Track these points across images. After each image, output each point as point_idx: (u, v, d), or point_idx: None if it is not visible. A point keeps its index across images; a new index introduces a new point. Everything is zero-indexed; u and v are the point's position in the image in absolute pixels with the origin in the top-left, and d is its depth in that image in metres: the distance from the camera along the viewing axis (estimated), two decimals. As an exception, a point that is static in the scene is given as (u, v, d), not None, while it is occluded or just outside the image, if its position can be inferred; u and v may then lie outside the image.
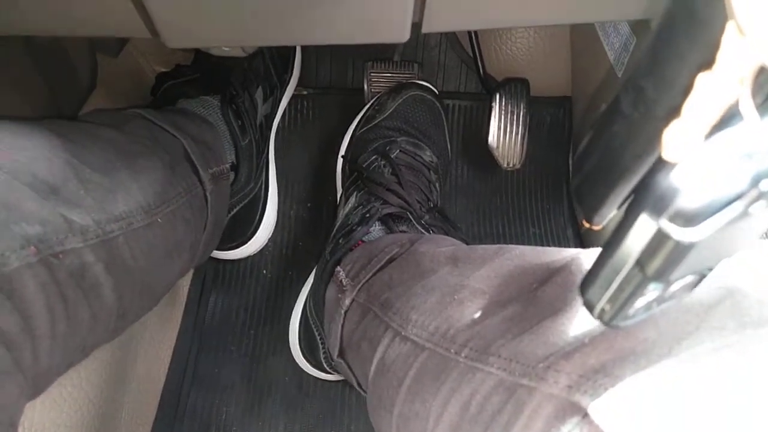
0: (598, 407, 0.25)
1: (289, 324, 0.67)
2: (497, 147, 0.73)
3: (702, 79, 0.14)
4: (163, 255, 0.47)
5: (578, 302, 0.31)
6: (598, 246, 0.40)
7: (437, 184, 0.66)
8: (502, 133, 0.74)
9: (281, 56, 0.76)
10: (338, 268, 0.55)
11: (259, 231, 0.71)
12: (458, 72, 0.83)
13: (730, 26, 0.13)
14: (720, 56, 0.13)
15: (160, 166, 0.48)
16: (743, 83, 0.13)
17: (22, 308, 0.31)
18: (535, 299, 0.34)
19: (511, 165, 0.74)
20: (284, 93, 0.78)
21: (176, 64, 0.70)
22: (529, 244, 0.78)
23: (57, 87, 0.60)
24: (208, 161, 0.56)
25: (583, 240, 0.77)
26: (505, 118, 0.74)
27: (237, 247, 0.70)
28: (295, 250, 0.74)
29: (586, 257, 0.35)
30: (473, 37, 0.75)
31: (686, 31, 0.15)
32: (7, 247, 0.31)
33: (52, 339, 0.34)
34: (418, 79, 0.74)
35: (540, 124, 0.82)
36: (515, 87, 0.73)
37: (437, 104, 0.72)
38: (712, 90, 0.14)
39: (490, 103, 0.73)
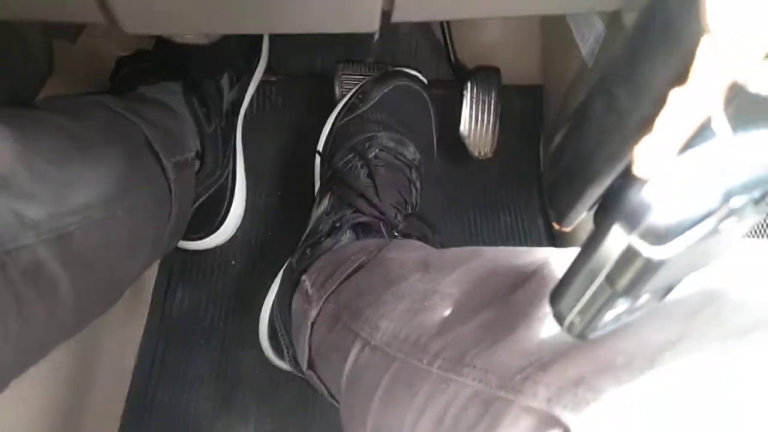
0: (580, 423, 0.24)
1: (258, 316, 0.66)
2: (469, 136, 0.73)
3: (675, 95, 0.13)
4: (125, 248, 0.46)
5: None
6: (568, 238, 0.40)
7: (418, 183, 0.64)
8: (474, 121, 0.73)
9: (248, 41, 0.74)
10: (304, 277, 0.53)
11: (226, 221, 0.69)
12: (430, 60, 0.82)
13: (704, 41, 0.12)
14: (694, 71, 0.13)
15: (119, 156, 0.46)
16: (716, 99, 0.13)
17: None
18: (508, 304, 0.33)
19: (482, 154, 0.74)
20: (252, 79, 0.76)
21: (137, 49, 0.68)
22: (501, 232, 0.78)
23: (12, 73, 0.57)
24: (170, 149, 0.54)
25: (554, 235, 0.78)
26: (477, 106, 0.73)
27: (204, 237, 0.69)
28: (265, 240, 0.73)
29: (558, 260, 0.34)
30: (445, 25, 0.74)
31: (660, 41, 0.14)
32: None
33: (4, 340, 0.33)
34: (406, 67, 0.71)
35: (511, 112, 0.81)
36: (487, 75, 0.73)
37: (425, 95, 0.68)
38: (685, 106, 0.13)
39: (462, 91, 0.72)
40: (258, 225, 0.73)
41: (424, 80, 0.70)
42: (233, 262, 0.71)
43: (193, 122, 0.62)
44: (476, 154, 0.74)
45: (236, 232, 0.72)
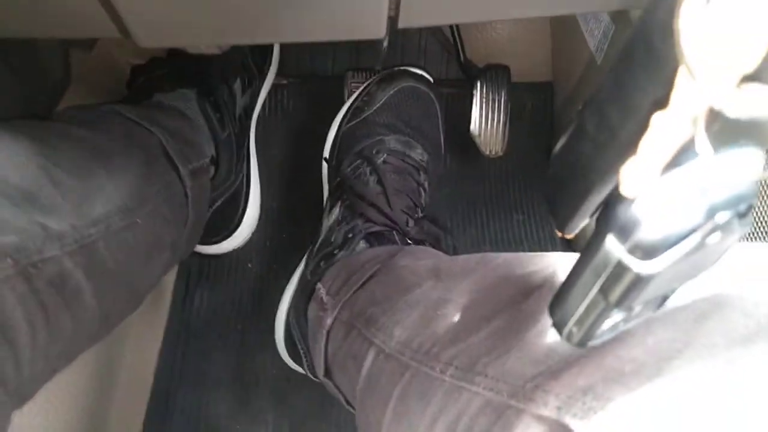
0: (588, 431, 0.24)
1: (275, 321, 0.67)
2: (479, 134, 0.73)
3: (657, 118, 0.14)
4: (144, 255, 0.47)
5: None
6: (581, 236, 0.40)
7: (426, 184, 0.63)
8: (484, 120, 0.73)
9: (259, 46, 0.75)
10: (319, 285, 0.54)
11: (242, 224, 0.70)
12: (439, 59, 0.83)
13: (681, 69, 0.13)
14: (674, 96, 0.13)
15: (137, 164, 0.48)
16: (697, 122, 0.13)
17: (1, 321, 0.31)
18: (519, 313, 0.34)
19: (493, 152, 0.74)
20: (263, 83, 0.77)
21: (151, 56, 0.69)
22: (513, 231, 0.79)
23: (29, 85, 0.59)
24: (186, 156, 0.55)
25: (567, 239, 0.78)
26: (487, 105, 0.73)
27: (221, 240, 0.70)
28: (280, 242, 0.74)
29: (567, 266, 0.34)
30: (453, 24, 0.74)
31: (645, 65, 0.15)
32: None
33: (32, 349, 0.34)
34: (411, 66, 0.71)
35: (521, 110, 0.81)
36: (496, 73, 0.73)
37: (431, 94, 0.68)
38: (666, 129, 0.14)
39: (472, 90, 0.72)
40: (272, 228, 0.74)
41: (430, 78, 0.70)
42: (249, 266, 0.73)
43: (207, 129, 0.63)
44: (487, 152, 0.74)
45: (252, 235, 0.74)
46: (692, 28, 0.12)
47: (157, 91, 0.62)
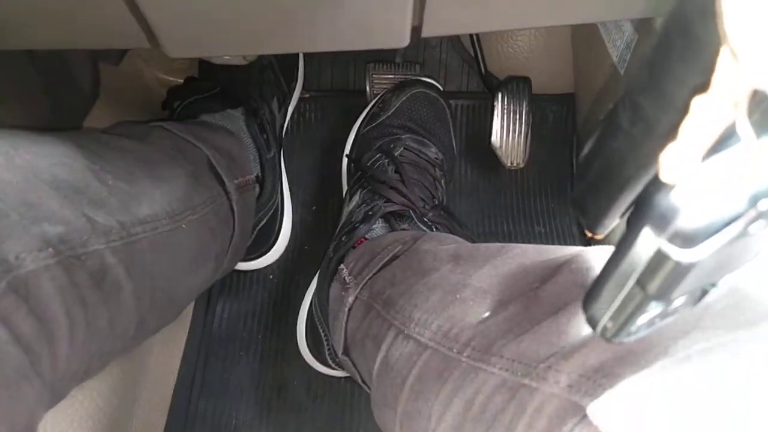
0: (596, 408, 0.25)
1: (296, 329, 0.67)
2: (500, 146, 0.73)
3: (698, 102, 0.14)
4: (187, 262, 0.47)
5: (578, 302, 0.31)
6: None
7: (442, 181, 0.66)
8: (505, 132, 0.73)
9: (287, 65, 0.76)
10: (341, 266, 0.56)
11: (278, 240, 0.71)
12: (460, 71, 0.83)
13: (724, 50, 0.13)
14: (715, 79, 0.13)
15: (183, 175, 0.48)
16: (739, 106, 0.13)
17: (39, 312, 0.31)
18: (536, 298, 0.35)
19: (514, 164, 0.74)
20: (291, 100, 0.78)
21: (187, 76, 0.70)
22: (535, 242, 0.78)
23: (60, 97, 0.61)
24: (233, 172, 0.56)
25: (590, 244, 0.77)
26: (508, 117, 0.73)
27: (259, 257, 0.70)
28: (301, 254, 0.74)
29: (587, 256, 0.35)
30: (474, 36, 0.75)
31: (682, 52, 0.15)
32: (23, 248, 0.30)
33: (70, 344, 0.33)
34: (422, 76, 0.74)
35: (543, 122, 0.81)
36: (517, 85, 0.73)
37: (441, 101, 0.71)
38: (708, 113, 0.14)
39: (493, 102, 0.72)
40: (295, 239, 0.75)
41: (440, 86, 0.73)
42: (271, 277, 0.73)
43: (254, 148, 0.64)
44: (508, 164, 0.74)
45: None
46: (736, 7, 0.12)
47: (205, 112, 0.63)
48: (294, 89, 0.78)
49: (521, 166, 0.74)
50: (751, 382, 0.23)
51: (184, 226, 0.45)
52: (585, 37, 0.75)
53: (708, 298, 0.26)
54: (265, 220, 0.68)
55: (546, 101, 0.81)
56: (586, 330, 0.30)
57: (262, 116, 0.65)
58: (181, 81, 0.77)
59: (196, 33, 0.38)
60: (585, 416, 0.26)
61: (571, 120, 0.82)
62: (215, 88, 0.65)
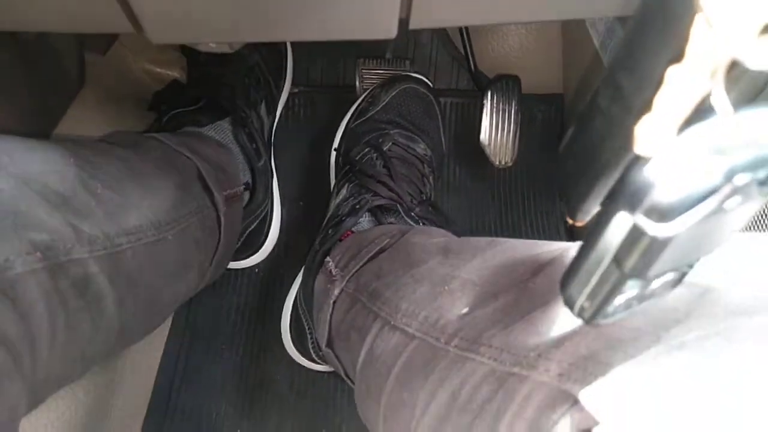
0: (588, 395, 0.25)
1: (280, 323, 0.66)
2: (489, 145, 0.73)
3: (672, 72, 0.13)
4: (171, 272, 0.47)
5: None
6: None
7: (430, 177, 0.66)
8: (494, 130, 0.74)
9: (275, 65, 0.75)
10: (328, 258, 0.55)
11: (267, 240, 0.71)
12: (450, 69, 0.83)
13: (698, 19, 0.12)
14: (689, 49, 0.13)
15: (172, 185, 0.49)
16: (715, 76, 0.13)
17: (24, 314, 0.31)
18: (526, 290, 0.35)
19: (503, 163, 0.74)
20: (280, 99, 0.78)
21: (172, 79, 0.70)
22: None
23: (45, 85, 0.60)
24: (221, 183, 0.56)
25: (574, 236, 0.77)
26: (497, 115, 0.73)
27: (248, 257, 0.70)
28: (287, 249, 0.74)
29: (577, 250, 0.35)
30: (464, 34, 0.75)
31: (657, 24, 0.14)
32: (12, 251, 0.31)
33: (50, 347, 0.34)
34: (412, 72, 0.74)
35: (532, 121, 0.81)
36: (507, 84, 0.73)
37: (431, 96, 0.71)
38: (682, 83, 0.13)
39: (482, 100, 0.72)
40: (281, 233, 0.74)
41: (429, 82, 0.72)
42: (257, 270, 0.72)
43: (244, 157, 0.64)
44: (497, 162, 0.74)
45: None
46: (711, -29, 0.11)
47: (193, 125, 0.63)
48: (282, 88, 0.78)
49: (509, 164, 0.74)
50: (746, 370, 0.22)
51: (170, 237, 0.46)
52: (575, 38, 0.75)
53: (690, 291, 0.26)
54: (254, 225, 0.68)
55: (535, 101, 0.81)
56: (576, 321, 0.30)
57: (251, 125, 0.65)
58: (168, 73, 0.77)
59: (179, 18, 0.38)
60: (575, 404, 0.26)
61: (560, 120, 0.82)
62: (201, 98, 0.65)
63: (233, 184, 0.60)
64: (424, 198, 0.63)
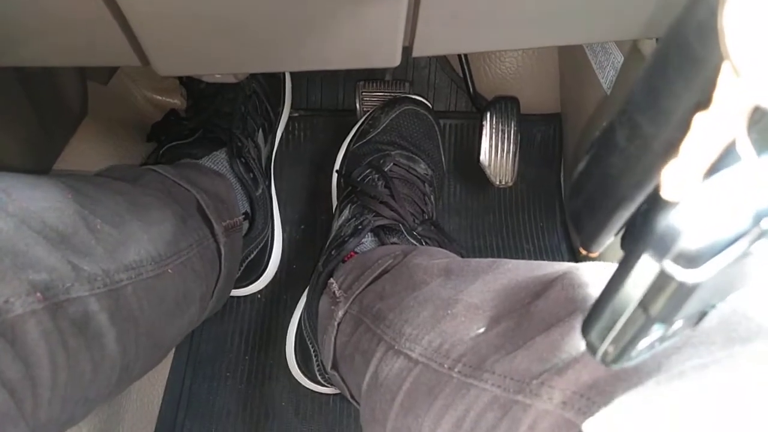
0: (591, 425, 0.25)
1: (284, 348, 0.66)
2: (489, 165, 0.74)
3: (699, 119, 0.14)
4: (172, 306, 0.47)
5: (570, 318, 0.32)
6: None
7: (432, 197, 0.67)
8: (494, 151, 0.74)
9: (273, 91, 0.75)
10: (331, 280, 0.55)
11: (268, 269, 0.70)
12: (448, 91, 0.84)
13: (725, 67, 0.12)
14: (716, 96, 0.13)
15: (172, 218, 0.48)
16: (739, 123, 0.13)
17: (24, 355, 0.31)
18: (528, 314, 0.35)
19: (503, 182, 0.74)
20: (278, 125, 0.78)
21: (170, 109, 0.70)
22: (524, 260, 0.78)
23: (48, 114, 0.60)
24: (221, 214, 0.56)
25: (577, 257, 0.77)
26: (496, 136, 0.74)
27: (249, 284, 0.70)
28: (289, 273, 0.73)
29: (578, 271, 0.35)
30: (463, 57, 0.75)
31: (680, 69, 0.15)
32: (12, 292, 0.31)
33: (52, 388, 0.33)
34: (412, 94, 0.75)
35: (530, 141, 0.82)
36: (505, 105, 0.74)
37: (430, 117, 0.72)
38: (709, 130, 0.13)
39: (481, 121, 0.73)
40: (282, 258, 0.74)
41: (428, 104, 0.73)
42: (259, 296, 0.72)
43: (241, 187, 0.65)
44: (497, 183, 0.74)
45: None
46: (738, 23, 0.12)
47: (188, 158, 0.64)
48: (281, 114, 0.78)
49: (509, 184, 0.74)
50: (746, 399, 0.23)
51: (169, 270, 0.45)
52: (572, 59, 0.76)
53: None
54: (255, 253, 0.67)
55: (533, 121, 0.82)
56: (578, 346, 0.30)
57: (247, 154, 0.65)
58: (169, 100, 0.77)
59: (185, 51, 0.38)
60: None
61: (558, 139, 0.83)
62: (198, 130, 0.65)
63: (232, 214, 0.60)
64: (426, 217, 0.63)
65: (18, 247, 0.32)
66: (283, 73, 0.78)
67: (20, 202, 0.35)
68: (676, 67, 0.15)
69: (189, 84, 0.71)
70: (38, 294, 0.32)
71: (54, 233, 0.36)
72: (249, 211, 0.65)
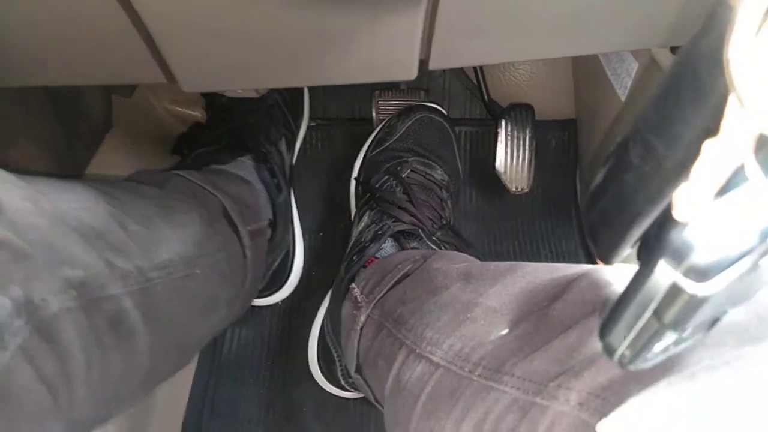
0: (605, 426, 0.26)
1: (306, 354, 0.67)
2: (505, 171, 0.74)
3: (709, 145, 0.15)
4: (200, 308, 0.47)
5: (586, 320, 0.32)
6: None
7: (449, 202, 0.68)
8: (509, 157, 0.75)
9: (294, 102, 0.77)
10: (353, 285, 0.56)
11: (290, 277, 0.72)
12: (463, 99, 0.85)
13: (732, 97, 0.13)
14: (724, 125, 0.14)
15: (198, 221, 0.49)
16: (746, 148, 0.14)
17: (61, 352, 0.31)
18: (546, 317, 0.35)
19: (519, 189, 0.75)
20: (298, 136, 0.80)
21: (194, 122, 0.72)
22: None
23: (75, 128, 0.62)
24: (246, 218, 0.57)
25: (595, 263, 0.77)
26: (512, 142, 0.75)
27: (271, 294, 0.71)
28: (309, 280, 0.74)
29: (595, 274, 0.36)
30: (477, 66, 0.76)
31: (690, 96, 0.16)
32: (49, 290, 0.31)
33: (87, 386, 0.34)
34: (427, 102, 0.76)
35: (545, 147, 0.82)
36: (520, 112, 0.74)
37: (446, 124, 0.73)
38: (717, 155, 0.14)
39: (496, 128, 0.74)
40: (304, 266, 0.75)
41: (444, 111, 0.74)
42: (279, 303, 0.73)
43: (266, 193, 0.66)
44: (513, 189, 0.75)
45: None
46: (742, 58, 0.12)
47: (216, 163, 0.65)
48: (300, 125, 0.80)
49: (525, 190, 0.75)
50: (756, 400, 0.23)
51: (198, 271, 0.46)
52: (586, 65, 0.76)
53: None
54: (278, 262, 0.69)
55: (548, 127, 0.82)
56: (594, 348, 0.30)
57: (272, 160, 0.67)
58: (189, 112, 0.79)
59: (210, 70, 0.39)
60: None
61: (573, 145, 0.83)
62: (223, 138, 0.66)
63: (257, 219, 0.61)
64: (444, 222, 0.64)
65: (55, 243, 0.33)
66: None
67: (56, 202, 0.36)
68: (686, 95, 0.16)
69: (209, 96, 0.72)
70: (73, 291, 0.32)
71: (90, 231, 0.36)
72: (272, 217, 0.66)
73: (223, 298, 0.52)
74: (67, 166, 0.61)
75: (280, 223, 0.66)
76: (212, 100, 0.72)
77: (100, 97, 0.67)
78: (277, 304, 0.73)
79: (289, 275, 0.71)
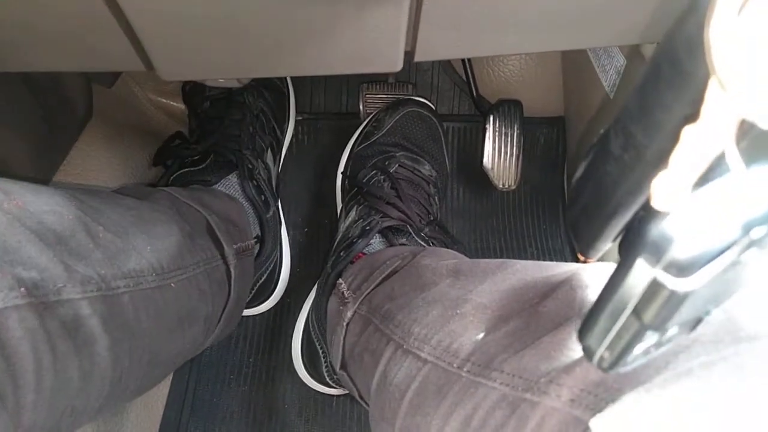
0: (599, 422, 0.25)
1: (289, 350, 0.66)
2: (492, 168, 0.74)
3: (688, 132, 0.14)
4: (174, 322, 0.45)
5: (578, 318, 0.32)
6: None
7: (436, 198, 0.67)
8: (497, 154, 0.74)
9: (279, 108, 0.75)
10: (340, 281, 0.56)
11: (276, 289, 0.70)
12: (451, 94, 0.84)
13: (712, 81, 0.13)
14: (704, 110, 0.13)
15: (178, 233, 0.48)
16: (728, 135, 0.13)
17: (5, 352, 0.30)
18: (536, 314, 0.35)
19: (506, 186, 0.75)
20: (284, 142, 0.78)
21: (175, 131, 0.70)
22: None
23: (54, 117, 0.61)
24: (232, 237, 0.56)
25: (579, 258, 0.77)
26: (500, 139, 0.74)
27: (259, 304, 0.70)
28: (293, 277, 0.74)
29: (587, 272, 0.36)
30: (466, 60, 0.75)
31: (671, 82, 0.15)
32: None
33: (37, 391, 0.32)
34: (415, 96, 0.75)
35: (534, 144, 0.82)
36: (508, 108, 0.74)
37: (434, 119, 0.72)
38: (697, 142, 0.14)
39: (484, 124, 0.73)
40: (288, 262, 0.74)
41: (432, 105, 0.73)
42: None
43: (252, 210, 0.65)
44: (500, 186, 0.74)
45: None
46: (723, 39, 0.12)
47: (202, 182, 0.63)
48: (286, 130, 0.78)
49: (513, 187, 0.74)
50: (752, 397, 0.23)
51: (172, 284, 0.44)
52: (575, 62, 0.76)
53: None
54: (265, 276, 0.67)
55: (537, 124, 0.82)
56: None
57: (258, 176, 0.65)
58: (172, 103, 0.78)
59: (189, 57, 0.39)
60: (587, 430, 0.26)
61: (562, 142, 0.83)
62: (208, 154, 0.64)
63: (244, 237, 0.60)
64: (432, 218, 0.63)
65: (9, 243, 0.32)
66: (287, 88, 0.79)
67: (19, 202, 0.34)
68: (666, 81, 0.15)
69: (192, 102, 0.70)
70: (23, 289, 0.31)
71: (50, 233, 0.35)
72: (259, 233, 0.65)
73: (201, 314, 0.50)
74: (47, 154, 0.60)
75: (268, 240, 0.65)
76: (195, 108, 0.69)
77: (80, 87, 0.65)
78: (260, 299, 0.72)
79: (275, 287, 0.70)
